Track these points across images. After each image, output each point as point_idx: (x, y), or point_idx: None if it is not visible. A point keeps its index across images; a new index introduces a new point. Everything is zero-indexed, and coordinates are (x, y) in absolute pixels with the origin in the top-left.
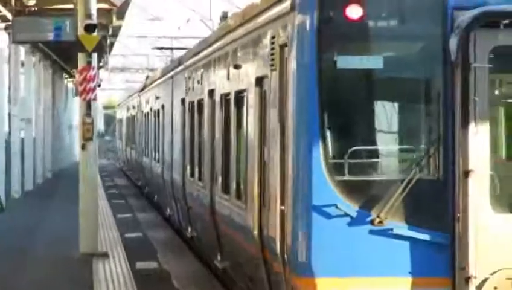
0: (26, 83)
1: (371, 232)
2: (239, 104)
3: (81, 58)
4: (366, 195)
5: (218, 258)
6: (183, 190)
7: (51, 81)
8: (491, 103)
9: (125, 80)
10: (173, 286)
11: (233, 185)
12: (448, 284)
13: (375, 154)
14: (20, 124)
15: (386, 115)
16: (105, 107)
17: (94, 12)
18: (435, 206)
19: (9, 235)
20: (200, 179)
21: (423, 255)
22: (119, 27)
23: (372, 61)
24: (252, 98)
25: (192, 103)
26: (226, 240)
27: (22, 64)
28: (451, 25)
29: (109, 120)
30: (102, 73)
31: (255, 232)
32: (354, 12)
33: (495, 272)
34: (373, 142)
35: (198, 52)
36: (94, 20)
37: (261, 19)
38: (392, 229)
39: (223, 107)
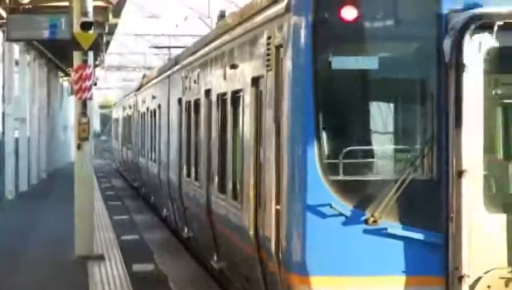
0: (21, 81)
1: (365, 231)
2: (235, 104)
3: (76, 57)
4: (361, 195)
5: (215, 258)
6: (179, 190)
7: (46, 80)
8: (485, 103)
9: (121, 79)
10: (170, 289)
11: (230, 185)
12: (442, 283)
13: (369, 154)
14: (14, 124)
15: (380, 115)
16: (102, 107)
17: (90, 9)
18: (429, 206)
19: (3, 237)
20: (196, 179)
21: (417, 254)
22: (116, 25)
23: (367, 62)
24: (248, 98)
25: (188, 102)
26: (223, 240)
27: (16, 63)
28: (446, 27)
29: (105, 120)
30: (99, 71)
31: (251, 232)
32: (349, 13)
33: (488, 272)
34: (367, 143)
35: (195, 52)
36: (90, 17)
37: (257, 20)
38: (386, 229)
39: (220, 107)
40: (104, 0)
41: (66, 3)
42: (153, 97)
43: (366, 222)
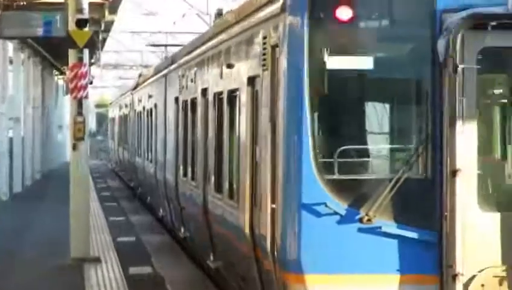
0: (15, 80)
1: (360, 230)
2: (231, 104)
3: (72, 55)
4: (355, 193)
5: (211, 258)
6: (176, 190)
7: (41, 78)
8: (479, 103)
9: (118, 77)
10: None
11: (226, 185)
12: (436, 282)
13: (364, 153)
14: (8, 123)
15: (375, 114)
16: (97, 106)
17: (86, 6)
18: (423, 205)
19: None
20: (193, 178)
21: (411, 253)
22: (112, 22)
23: (362, 62)
24: (244, 98)
25: (185, 101)
26: (219, 239)
27: (10, 61)
28: (440, 27)
29: (101, 119)
30: (94, 70)
31: (247, 230)
32: (344, 13)
33: (482, 270)
34: (362, 142)
35: (192, 51)
36: (86, 14)
37: (254, 19)
38: (380, 227)
39: (216, 106)
40: None
41: (61, 0)
42: (149, 96)
43: (360, 220)
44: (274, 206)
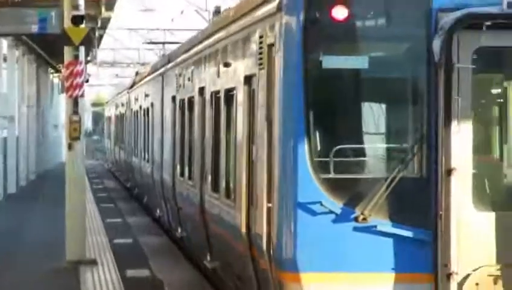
0: (9, 78)
1: (355, 229)
2: (228, 102)
3: (67, 52)
4: (351, 192)
5: (208, 258)
6: (173, 190)
7: (36, 76)
8: (475, 103)
9: (115, 75)
10: None
11: (223, 184)
12: (431, 280)
13: (359, 152)
14: (2, 123)
15: (370, 114)
16: (94, 104)
17: (81, 3)
18: (418, 204)
19: None
20: (190, 178)
21: (406, 251)
22: (109, 19)
23: (358, 61)
24: (241, 97)
25: (182, 100)
26: (216, 239)
27: (4, 59)
28: (436, 27)
29: (97, 118)
30: (90, 68)
31: (243, 230)
32: (339, 13)
33: (477, 269)
34: (358, 141)
35: (189, 49)
36: (82, 11)
37: (250, 18)
38: (375, 226)
39: (213, 105)
40: None
41: None
42: (146, 95)
43: (356, 219)
44: (270, 205)
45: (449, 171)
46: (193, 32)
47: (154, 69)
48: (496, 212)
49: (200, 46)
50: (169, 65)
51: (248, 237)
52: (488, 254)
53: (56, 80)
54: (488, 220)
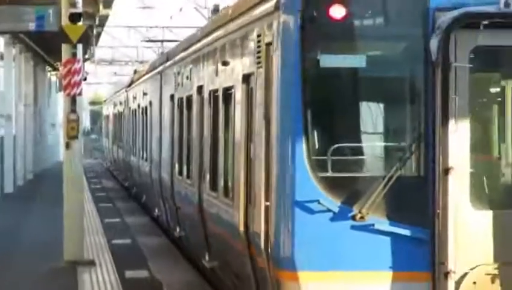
0: (6, 76)
1: (353, 227)
2: (227, 101)
3: (65, 50)
4: (348, 191)
5: (206, 257)
6: (171, 189)
7: (33, 74)
8: (472, 102)
9: (113, 74)
10: None
11: (221, 182)
12: (428, 279)
13: (357, 151)
14: None
15: (368, 112)
16: (92, 103)
17: (79, 0)
18: (416, 203)
19: None
20: (188, 177)
21: (404, 250)
22: (107, 16)
23: (355, 60)
24: (239, 95)
25: (181, 99)
26: (214, 238)
27: (1, 57)
28: (433, 26)
29: (95, 117)
30: (89, 66)
31: (241, 228)
32: (337, 12)
33: (474, 268)
34: (355, 140)
35: (188, 47)
36: (79, 8)
37: (248, 17)
38: (373, 225)
39: (211, 104)
40: None
41: None
42: (144, 94)
43: (353, 218)
44: (268, 203)
45: (446, 170)
46: (192, 29)
47: (153, 67)
48: (494, 211)
49: (199, 45)
50: (168, 63)
51: (246, 236)
52: (485, 253)
53: (54, 78)
54: (485, 218)
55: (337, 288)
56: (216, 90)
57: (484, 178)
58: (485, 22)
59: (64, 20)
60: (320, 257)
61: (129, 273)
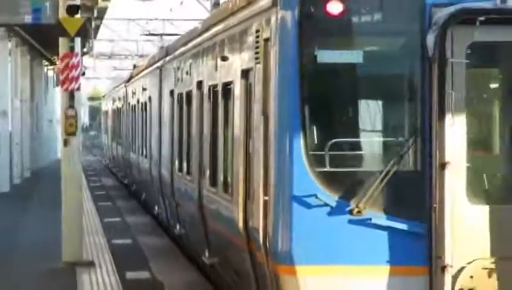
0: (1, 71)
1: (350, 221)
2: (226, 96)
3: (62, 44)
4: (346, 186)
5: (206, 254)
6: (171, 185)
7: (29, 69)
8: (468, 97)
9: (112, 68)
10: None
11: (221, 178)
12: (425, 273)
13: (354, 146)
14: None
15: (365, 108)
16: (90, 98)
17: None
18: (413, 197)
19: None
20: (188, 173)
21: (401, 244)
22: (105, 9)
23: (352, 56)
24: (238, 91)
25: (180, 94)
26: (214, 234)
27: None
28: (430, 21)
29: (94, 113)
30: (87, 60)
31: (240, 224)
32: (334, 8)
33: (471, 262)
34: (353, 135)
35: (187, 42)
36: (77, 0)
37: (247, 12)
38: (370, 219)
39: (211, 99)
40: None
41: None
42: (144, 89)
43: (350, 212)
44: (266, 198)
45: (443, 165)
46: (193, 22)
47: (152, 62)
48: (490, 205)
49: (199, 39)
50: (168, 58)
51: (245, 231)
52: (482, 247)
53: (51, 73)
54: (482, 213)
55: (335, 282)
56: (215, 86)
57: (481, 173)
58: (482, 18)
59: (62, 13)
60: (317, 251)
61: (130, 275)
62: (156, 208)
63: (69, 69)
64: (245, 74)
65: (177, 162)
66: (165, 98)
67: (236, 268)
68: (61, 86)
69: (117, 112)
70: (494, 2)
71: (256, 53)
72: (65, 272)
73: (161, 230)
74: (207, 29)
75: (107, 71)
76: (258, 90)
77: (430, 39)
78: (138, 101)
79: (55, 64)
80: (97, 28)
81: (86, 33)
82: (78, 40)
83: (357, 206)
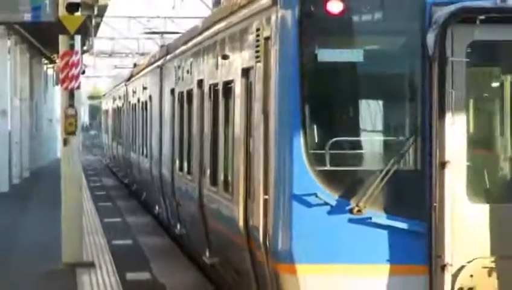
0: (1, 69)
1: (350, 220)
2: (226, 95)
3: (62, 42)
4: (346, 185)
5: (207, 254)
6: (172, 185)
7: (29, 67)
8: (468, 96)
9: (113, 66)
10: None
11: (221, 177)
12: (425, 272)
13: (355, 145)
14: None
15: (365, 107)
16: (90, 97)
17: None
18: (413, 196)
19: None
20: (189, 172)
21: (401, 243)
22: (106, 6)
23: (352, 55)
24: (238, 89)
25: (181, 93)
26: (214, 234)
27: None
28: (430, 20)
29: (94, 112)
30: (87, 58)
31: (241, 223)
32: (334, 6)
33: (471, 261)
34: (353, 134)
35: (188, 41)
36: None
37: (248, 11)
38: (370, 218)
39: (212, 98)
40: None
41: None
42: (144, 88)
43: (351, 211)
44: (267, 197)
45: (443, 164)
46: (195, 20)
47: (153, 60)
48: (490, 204)
49: (199, 38)
50: (168, 57)
51: (246, 230)
52: (482, 246)
53: (50, 71)
54: (482, 212)
55: (335, 281)
56: (216, 85)
57: (481, 172)
58: (482, 17)
59: (62, 10)
60: (317, 249)
61: (130, 276)
62: (157, 207)
63: (69, 68)
64: (245, 72)
65: (177, 162)
66: (165, 97)
67: (236, 268)
68: (61, 84)
69: (117, 111)
70: (494, 0)
71: (257, 52)
72: (65, 274)
73: (162, 230)
74: (208, 28)
75: (107, 69)
76: (258, 89)
77: (431, 38)
78: (139, 100)
79: (55, 62)
80: (97, 25)
81: (86, 31)
82: (78, 38)
83: (357, 205)
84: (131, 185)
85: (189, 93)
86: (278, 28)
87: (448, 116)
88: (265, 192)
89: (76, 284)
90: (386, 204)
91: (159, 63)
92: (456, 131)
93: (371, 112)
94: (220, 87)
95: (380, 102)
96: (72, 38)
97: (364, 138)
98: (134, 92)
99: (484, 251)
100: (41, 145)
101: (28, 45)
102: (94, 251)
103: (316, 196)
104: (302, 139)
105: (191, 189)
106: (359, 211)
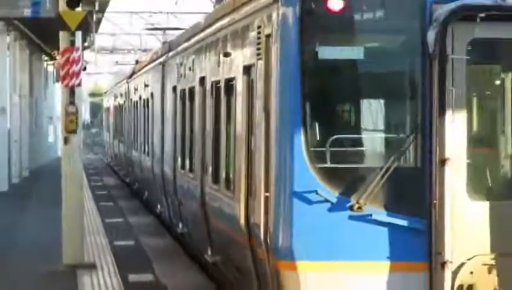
0: (0, 65)
1: (351, 217)
2: (228, 93)
3: (63, 38)
4: (346, 182)
5: (209, 252)
6: (174, 183)
7: (28, 63)
8: (469, 94)
9: (114, 63)
10: None
11: (223, 175)
12: (425, 269)
13: (355, 142)
14: None
15: (366, 104)
16: (91, 95)
17: None
18: (413, 193)
19: None
20: (191, 170)
21: (401, 240)
22: (107, 1)
23: (353, 52)
24: (240, 87)
25: (183, 90)
26: (216, 232)
27: None
28: (430, 18)
29: (96, 109)
30: (88, 54)
31: (242, 220)
32: (335, 4)
33: (471, 258)
34: (353, 131)
35: (190, 38)
36: None
37: (249, 8)
38: (371, 215)
39: (213, 95)
40: None
41: None
42: (146, 85)
43: (351, 208)
44: (267, 194)
45: (443, 161)
46: (198, 15)
47: (155, 57)
48: (490, 201)
49: (201, 35)
50: (170, 54)
51: (247, 228)
52: (482, 243)
53: (51, 68)
54: (482, 209)
55: (335, 278)
56: (218, 82)
57: (481, 169)
58: (482, 15)
59: (62, 6)
60: (318, 246)
61: (132, 277)
62: (159, 206)
63: (70, 64)
64: (247, 70)
65: (179, 160)
66: (167, 94)
67: (238, 265)
68: (61, 81)
69: (119, 109)
70: None
71: (258, 49)
72: (66, 275)
73: (164, 230)
74: (210, 25)
75: (108, 66)
76: (259, 86)
77: (431, 36)
78: (140, 98)
79: (55, 58)
80: (98, 21)
81: (87, 27)
82: (79, 34)
83: (357, 202)
84: (133, 184)
85: (191, 90)
86: (279, 26)
87: (449, 113)
88: (266, 189)
89: (77, 286)
90: (386, 201)
91: (161, 60)
92: (456, 128)
93: (371, 110)
94: (222, 84)
95: (381, 99)
96: (72, 34)
97: (364, 135)
98: (136, 90)
99: (484, 248)
100: (41, 143)
101: (28, 41)
102: (95, 251)
103: (317, 193)
104: (302, 137)
105: (193, 187)
106: (359, 208)
